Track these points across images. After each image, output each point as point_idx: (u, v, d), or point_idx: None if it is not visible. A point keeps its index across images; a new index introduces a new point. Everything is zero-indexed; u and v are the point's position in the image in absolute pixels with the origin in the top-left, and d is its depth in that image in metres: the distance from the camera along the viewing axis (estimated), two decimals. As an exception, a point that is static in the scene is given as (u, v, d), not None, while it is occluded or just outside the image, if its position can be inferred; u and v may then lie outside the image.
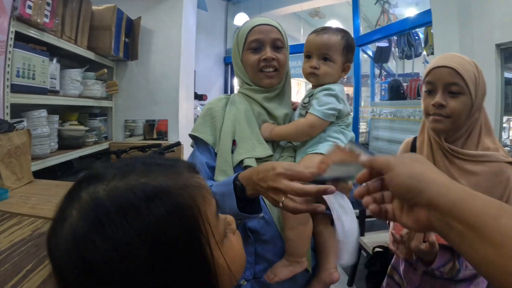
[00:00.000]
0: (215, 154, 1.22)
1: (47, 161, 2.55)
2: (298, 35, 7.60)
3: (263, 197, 0.94)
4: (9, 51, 2.11)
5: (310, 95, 1.26)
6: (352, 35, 5.03)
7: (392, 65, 6.37)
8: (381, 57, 5.78)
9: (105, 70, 3.49)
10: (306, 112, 1.21)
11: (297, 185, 0.80)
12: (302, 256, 1.13)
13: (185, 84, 4.21)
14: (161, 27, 4.05)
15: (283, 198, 0.82)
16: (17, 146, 1.90)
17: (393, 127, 4.92)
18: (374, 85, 6.28)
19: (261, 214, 1.00)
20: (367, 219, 3.07)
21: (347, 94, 6.81)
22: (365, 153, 0.79)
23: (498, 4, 3.49)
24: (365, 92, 6.53)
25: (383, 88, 5.84)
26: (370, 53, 6.08)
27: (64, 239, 0.46)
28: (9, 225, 1.30)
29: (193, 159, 1.23)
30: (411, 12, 5.17)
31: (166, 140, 3.98)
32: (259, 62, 1.22)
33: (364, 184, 0.65)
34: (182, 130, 4.10)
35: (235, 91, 1.50)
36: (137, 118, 4.04)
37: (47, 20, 2.39)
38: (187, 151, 3.64)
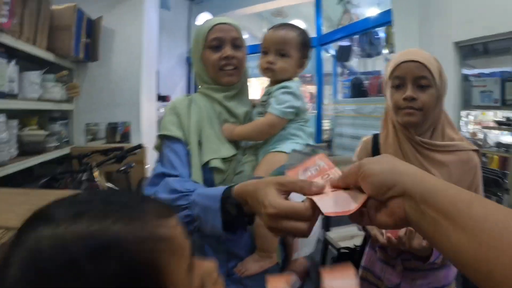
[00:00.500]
0: (188, 152, 1.19)
1: (7, 169, 2.45)
2: (261, 34, 7.62)
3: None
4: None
5: (268, 93, 1.27)
6: (315, 35, 5.13)
7: (355, 63, 6.50)
8: (343, 56, 5.90)
9: (66, 72, 3.38)
10: (266, 111, 1.22)
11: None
12: (272, 251, 1.15)
13: (147, 85, 4.13)
14: (122, 27, 3.96)
15: None
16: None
17: (356, 124, 5.05)
18: (337, 83, 6.41)
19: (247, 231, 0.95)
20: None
21: (310, 93, 6.91)
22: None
23: (457, 3, 3.63)
24: (328, 90, 6.64)
25: (345, 86, 5.97)
26: (332, 52, 6.18)
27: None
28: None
29: (163, 162, 1.18)
30: (372, 12, 5.30)
31: (129, 143, 3.88)
32: (219, 60, 1.22)
33: None
34: (145, 132, 4.02)
35: (198, 91, 1.49)
36: (99, 121, 3.93)
37: (5, 20, 2.29)
38: (150, 154, 3.57)
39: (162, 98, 5.31)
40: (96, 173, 2.95)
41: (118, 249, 0.40)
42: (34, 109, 3.05)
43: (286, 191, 0.69)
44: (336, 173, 0.67)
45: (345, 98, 5.88)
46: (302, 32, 1.29)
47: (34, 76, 2.90)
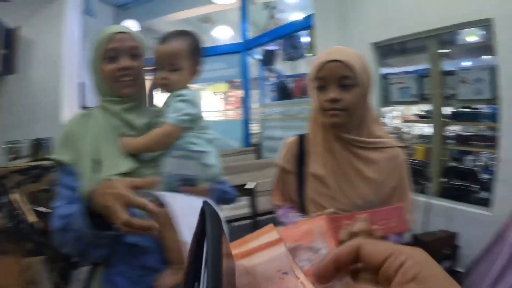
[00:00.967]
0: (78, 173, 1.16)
1: None
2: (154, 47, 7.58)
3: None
4: None
5: (165, 103, 1.27)
6: (241, 40, 5.19)
7: (282, 67, 6.65)
8: (268, 60, 6.00)
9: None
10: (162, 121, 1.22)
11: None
12: (182, 263, 1.10)
13: (69, 98, 3.96)
14: (41, 37, 3.78)
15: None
16: None
17: (284, 126, 5.19)
18: (264, 87, 6.53)
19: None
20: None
21: (239, 98, 7.01)
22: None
23: (374, 6, 3.88)
24: (256, 94, 6.74)
25: (272, 89, 6.09)
26: (259, 56, 6.28)
27: None
28: None
29: (58, 196, 1.16)
30: (296, 16, 5.48)
31: (53, 160, 3.66)
32: (116, 72, 1.18)
33: None
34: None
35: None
36: (21, 138, 3.70)
37: None
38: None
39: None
40: (14, 196, 2.75)
41: None
42: None
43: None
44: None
45: (272, 101, 6.01)
46: (191, 40, 1.28)
47: None
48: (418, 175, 3.78)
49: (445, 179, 3.82)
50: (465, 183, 3.80)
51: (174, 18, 6.68)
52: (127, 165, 1.16)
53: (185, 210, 0.80)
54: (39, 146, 3.74)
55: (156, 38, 1.30)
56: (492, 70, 3.22)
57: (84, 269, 1.25)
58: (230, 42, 6.60)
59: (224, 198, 1.35)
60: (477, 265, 2.87)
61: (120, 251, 1.06)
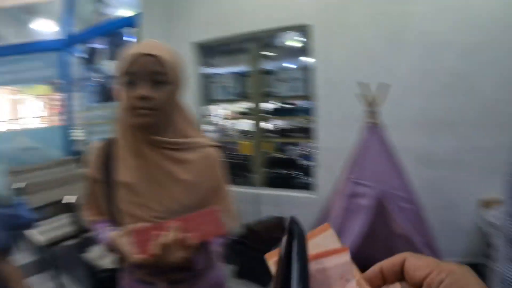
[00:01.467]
0: None
1: None
2: (7, 32, 6.81)
3: None
4: None
5: None
6: (63, 35, 4.79)
7: (107, 66, 6.26)
8: (92, 58, 5.64)
9: None
10: None
11: None
12: None
13: None
14: None
15: None
16: None
17: (108, 131, 4.85)
18: (88, 88, 6.00)
19: None
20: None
21: (63, 101, 6.44)
22: None
23: (198, 7, 3.99)
24: (81, 97, 6.24)
25: (94, 91, 5.70)
26: (83, 54, 5.84)
27: None
28: None
29: None
30: (125, 13, 5.25)
31: None
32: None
33: None
34: None
35: None
36: None
37: None
38: None
39: None
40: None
41: None
42: None
43: None
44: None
45: (94, 104, 5.62)
46: None
47: None
48: (245, 168, 4.02)
49: (270, 170, 4.13)
50: (289, 171, 4.18)
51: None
52: None
53: None
54: None
55: None
56: (307, 70, 3.58)
57: None
58: (51, 38, 6.00)
59: (17, 224, 1.20)
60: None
61: None
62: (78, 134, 5.79)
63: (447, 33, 3.13)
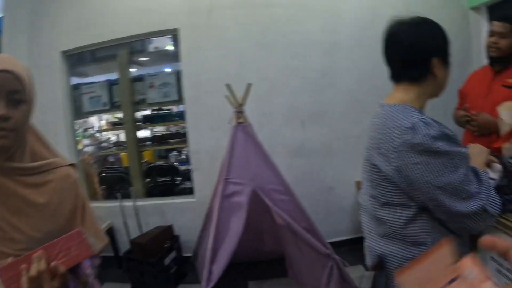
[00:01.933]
0: None
1: None
2: None
3: None
4: None
5: None
6: None
7: None
8: None
9: None
10: None
11: None
12: None
13: None
14: None
15: None
16: None
17: None
18: None
19: None
20: None
21: None
22: None
23: (65, 13, 3.72)
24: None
25: None
26: None
27: None
28: None
29: None
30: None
31: None
32: None
33: None
34: None
35: None
36: None
37: None
38: None
39: None
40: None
41: None
42: None
43: None
44: None
45: None
46: None
47: None
48: (122, 181, 3.90)
49: (151, 179, 4.08)
50: (168, 179, 4.17)
51: None
52: None
53: None
54: None
55: None
56: (177, 75, 3.60)
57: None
58: None
59: None
60: (200, 245, 3.30)
61: None
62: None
63: (311, 33, 3.47)
